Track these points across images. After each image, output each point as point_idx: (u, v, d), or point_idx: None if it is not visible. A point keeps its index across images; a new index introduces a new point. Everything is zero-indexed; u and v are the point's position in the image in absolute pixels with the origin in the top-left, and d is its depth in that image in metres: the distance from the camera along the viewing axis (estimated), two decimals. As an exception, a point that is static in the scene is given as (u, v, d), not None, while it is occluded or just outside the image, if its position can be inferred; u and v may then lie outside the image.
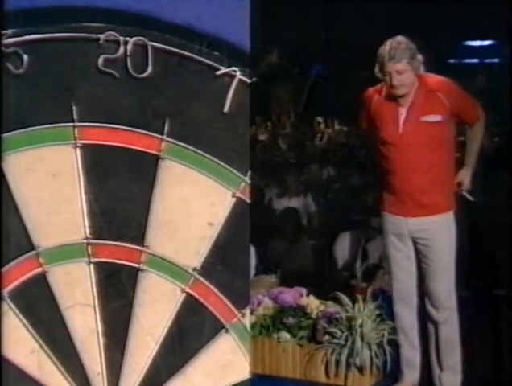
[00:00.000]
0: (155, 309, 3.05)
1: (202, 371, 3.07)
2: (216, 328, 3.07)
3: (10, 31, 2.96)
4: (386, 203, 3.96)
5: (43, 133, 3.00)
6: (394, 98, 3.88)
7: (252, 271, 5.78)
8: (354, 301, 4.20)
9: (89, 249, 3.02)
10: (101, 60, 3.00)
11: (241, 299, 3.09)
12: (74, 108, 3.00)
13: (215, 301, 3.07)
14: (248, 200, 3.09)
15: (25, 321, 3.01)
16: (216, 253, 3.07)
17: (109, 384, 3.05)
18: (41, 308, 3.02)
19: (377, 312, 4.11)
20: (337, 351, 4.13)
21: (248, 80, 3.06)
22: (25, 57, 2.98)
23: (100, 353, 3.03)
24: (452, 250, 3.88)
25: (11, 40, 2.96)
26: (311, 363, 4.22)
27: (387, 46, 3.83)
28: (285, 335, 4.31)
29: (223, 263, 3.07)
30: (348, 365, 4.11)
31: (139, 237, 3.04)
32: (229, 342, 3.09)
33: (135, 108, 3.03)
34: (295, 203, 6.81)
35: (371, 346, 4.08)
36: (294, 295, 4.50)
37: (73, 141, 3.02)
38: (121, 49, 3.00)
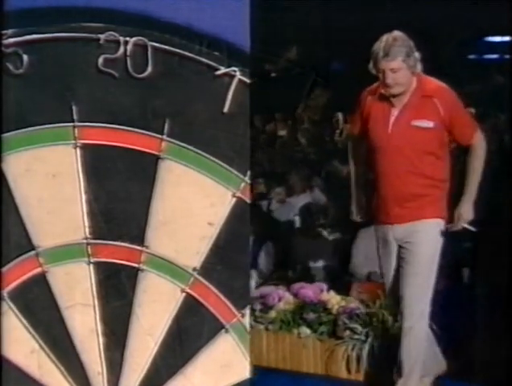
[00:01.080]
0: (155, 309, 3.05)
1: (202, 371, 3.07)
2: (216, 328, 3.07)
3: (10, 31, 2.96)
4: (374, 210, 3.83)
5: (43, 133, 3.00)
6: (387, 98, 3.73)
7: (271, 267, 5.81)
8: (375, 297, 4.19)
9: (89, 249, 3.02)
10: (101, 60, 3.00)
11: (241, 299, 3.09)
12: (74, 108, 3.00)
13: (215, 301, 3.07)
14: (248, 200, 3.09)
15: (25, 321, 3.01)
16: (216, 253, 3.07)
17: (109, 384, 3.05)
18: (41, 308, 3.01)
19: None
20: (358, 346, 4.12)
21: (248, 80, 3.06)
22: (25, 57, 2.98)
23: (100, 353, 3.03)
24: (433, 259, 3.73)
25: (11, 40, 2.96)
26: (331, 359, 4.23)
27: (382, 42, 3.65)
28: (305, 331, 4.31)
29: (223, 263, 3.07)
30: (369, 361, 4.10)
31: (139, 237, 3.04)
32: (228, 342, 3.09)
33: (135, 108, 3.03)
34: (313, 197, 6.84)
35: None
36: (315, 290, 4.50)
37: (73, 141, 3.02)
38: (121, 49, 3.00)
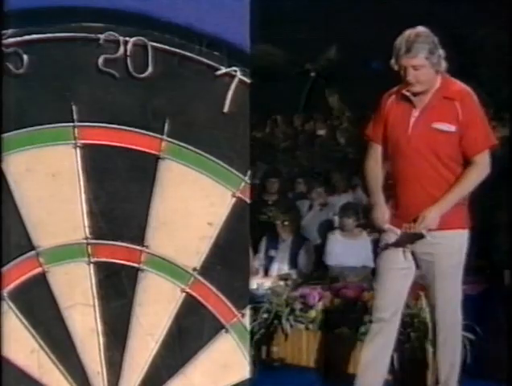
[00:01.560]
0: (155, 309, 3.05)
1: (202, 371, 3.07)
2: (216, 328, 3.07)
3: (10, 31, 2.96)
4: (391, 216, 3.62)
5: (43, 133, 3.00)
6: (408, 98, 3.55)
7: (310, 267, 5.80)
8: (416, 298, 4.17)
9: (89, 249, 3.02)
10: (101, 60, 3.00)
11: (241, 299, 3.09)
12: (74, 108, 3.00)
13: (215, 301, 3.07)
14: (248, 200, 3.09)
15: (25, 321, 3.01)
16: (216, 253, 3.07)
17: (108, 384, 3.05)
18: (41, 308, 3.01)
19: None
20: (399, 347, 4.09)
21: (248, 80, 3.06)
22: (25, 57, 2.98)
23: (100, 353, 3.03)
24: (459, 270, 3.59)
25: (11, 40, 2.96)
26: None
27: (404, 37, 3.48)
28: (346, 331, 4.29)
29: (223, 263, 3.07)
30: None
31: (139, 237, 3.04)
32: (228, 342, 3.09)
33: (135, 108, 3.03)
34: (355, 197, 6.83)
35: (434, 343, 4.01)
36: (355, 290, 4.47)
37: (73, 141, 3.02)
38: (121, 49, 3.00)
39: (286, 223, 6.06)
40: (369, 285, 4.45)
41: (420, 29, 3.51)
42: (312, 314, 4.50)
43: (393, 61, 3.53)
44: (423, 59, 3.46)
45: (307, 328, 4.57)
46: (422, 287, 3.98)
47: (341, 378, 4.17)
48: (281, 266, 5.87)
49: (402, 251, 3.62)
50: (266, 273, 5.88)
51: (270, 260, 6.01)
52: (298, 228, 6.15)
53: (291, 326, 4.70)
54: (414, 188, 3.55)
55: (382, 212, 3.65)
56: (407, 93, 3.57)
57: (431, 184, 3.55)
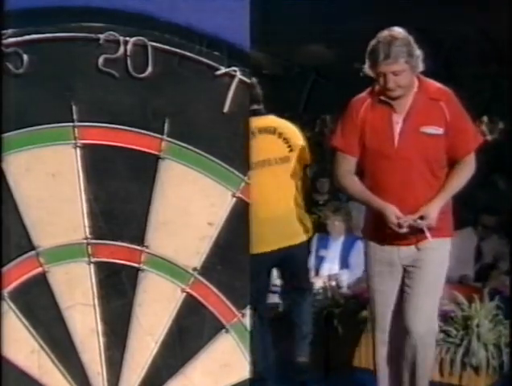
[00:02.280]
0: (155, 309, 3.05)
1: (202, 371, 3.07)
2: (216, 328, 3.07)
3: (10, 31, 2.96)
4: (373, 229, 3.48)
5: (43, 133, 3.00)
6: (386, 103, 3.36)
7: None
8: (470, 300, 4.13)
9: (89, 249, 3.02)
10: (101, 60, 3.00)
11: (241, 299, 3.09)
12: (74, 108, 3.00)
13: (215, 301, 3.07)
14: (248, 200, 3.09)
15: (25, 321, 3.01)
16: (216, 253, 3.07)
17: (108, 384, 3.05)
18: (41, 308, 3.01)
19: (495, 312, 4.02)
20: (452, 349, 4.06)
21: (248, 80, 3.06)
22: (25, 57, 2.98)
23: (100, 353, 3.03)
24: (442, 278, 3.51)
25: (11, 40, 2.96)
26: None
27: (380, 41, 3.27)
28: None
29: (223, 263, 3.07)
30: (463, 364, 4.03)
31: (139, 237, 3.04)
32: (229, 342, 3.09)
33: (135, 108, 3.03)
34: None
35: (488, 346, 3.99)
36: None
37: (73, 141, 3.02)
38: (121, 49, 3.00)
39: (336, 223, 6.02)
40: None
41: (396, 30, 3.32)
42: (364, 314, 4.48)
43: (367, 67, 3.33)
44: (403, 63, 3.27)
45: (359, 328, 4.56)
46: (475, 289, 3.95)
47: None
48: (332, 266, 5.84)
49: (394, 268, 3.49)
50: (317, 272, 5.85)
51: (320, 260, 5.98)
52: (349, 228, 6.13)
53: (343, 326, 4.68)
54: (401, 197, 3.37)
55: (392, 210, 3.41)
56: (385, 98, 3.37)
57: (418, 191, 3.38)
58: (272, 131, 4.26)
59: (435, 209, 3.38)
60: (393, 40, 3.28)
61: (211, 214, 3.06)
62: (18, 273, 3.01)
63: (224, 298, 3.07)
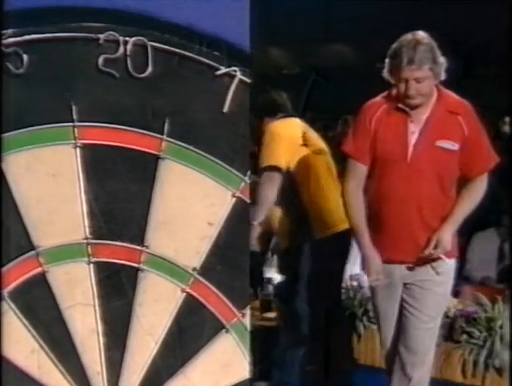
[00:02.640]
0: (155, 309, 3.05)
1: (202, 371, 3.07)
2: (216, 328, 3.07)
3: (10, 31, 2.95)
4: (374, 245, 3.30)
5: (43, 133, 3.00)
6: (403, 111, 3.19)
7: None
8: (493, 301, 4.10)
9: (89, 249, 3.02)
10: (101, 60, 3.00)
11: (241, 299, 3.09)
12: (74, 108, 3.00)
13: (215, 301, 3.07)
14: (248, 200, 3.09)
15: (25, 321, 3.01)
16: (216, 253, 3.06)
17: (108, 384, 3.05)
18: (41, 308, 3.01)
19: None
20: (475, 351, 4.03)
21: (248, 80, 3.06)
22: (25, 57, 2.97)
23: (100, 353, 3.03)
24: (446, 302, 3.43)
25: (11, 40, 2.96)
26: (447, 362, 4.15)
27: (404, 45, 3.10)
28: None
29: (223, 263, 3.07)
30: (486, 366, 4.01)
31: (139, 237, 3.04)
32: (229, 342, 3.09)
33: (135, 108, 3.03)
34: None
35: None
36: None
37: (73, 141, 3.01)
38: (121, 49, 3.00)
39: None
40: None
41: (420, 34, 3.16)
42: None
43: (387, 71, 3.18)
44: (427, 70, 3.11)
45: None
46: (498, 291, 3.92)
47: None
48: (353, 267, 5.83)
49: (394, 288, 3.37)
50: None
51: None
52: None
53: (365, 326, 4.66)
54: (410, 213, 3.22)
55: (376, 263, 3.28)
56: (403, 106, 3.21)
57: (428, 209, 3.24)
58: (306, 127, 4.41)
59: (448, 235, 3.23)
60: (417, 45, 3.11)
61: (211, 214, 3.06)
62: (18, 272, 3.01)
63: (224, 298, 3.07)
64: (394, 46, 3.16)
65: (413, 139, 3.20)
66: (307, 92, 10.67)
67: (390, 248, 3.30)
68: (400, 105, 3.22)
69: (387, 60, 3.18)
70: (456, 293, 4.41)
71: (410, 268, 3.32)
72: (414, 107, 3.20)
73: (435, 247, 3.22)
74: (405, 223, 3.26)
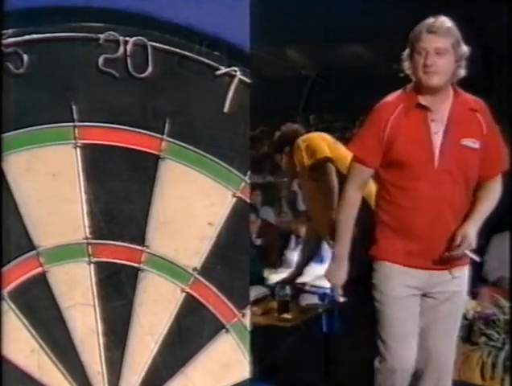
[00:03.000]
0: (155, 309, 3.05)
1: (202, 371, 3.07)
2: (216, 328, 3.07)
3: (10, 31, 2.95)
4: (399, 251, 3.12)
5: (43, 133, 3.00)
6: (423, 107, 3.02)
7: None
8: None
9: (89, 249, 3.02)
10: (101, 60, 3.00)
11: (241, 299, 3.09)
12: (74, 108, 3.00)
13: (215, 301, 3.07)
14: (248, 200, 3.09)
15: (25, 321, 3.01)
16: (216, 253, 3.06)
17: (109, 384, 3.05)
18: (41, 308, 3.01)
19: None
20: (494, 353, 3.98)
21: (248, 80, 3.06)
22: (25, 57, 2.97)
23: (100, 353, 3.03)
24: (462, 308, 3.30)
25: (11, 40, 2.96)
26: (466, 364, 4.09)
27: (426, 21, 2.97)
28: None
29: (223, 263, 3.07)
30: (505, 368, 3.96)
31: (139, 237, 3.04)
32: (229, 342, 3.09)
33: (135, 108, 3.03)
34: None
35: None
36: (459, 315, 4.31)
37: (73, 141, 3.01)
38: (121, 49, 3.00)
39: None
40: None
41: (444, 18, 3.01)
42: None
43: (406, 55, 2.98)
44: (448, 43, 2.94)
45: None
46: None
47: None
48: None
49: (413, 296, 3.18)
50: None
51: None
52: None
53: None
54: (437, 215, 3.06)
55: (343, 272, 3.20)
56: (424, 102, 3.02)
57: (458, 212, 3.09)
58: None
59: (473, 231, 3.08)
60: (440, 18, 2.98)
61: (211, 214, 3.06)
62: (18, 272, 3.01)
63: (224, 298, 3.07)
64: (416, 27, 3.01)
65: (438, 139, 3.04)
66: (307, 92, 10.67)
67: (419, 254, 3.13)
68: (420, 101, 3.04)
69: (409, 43, 3.02)
70: (474, 295, 4.39)
71: (435, 274, 3.17)
72: (435, 89, 3.00)
73: (460, 244, 3.07)
74: (437, 229, 3.10)
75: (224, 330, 3.07)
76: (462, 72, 3.05)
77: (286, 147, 4.53)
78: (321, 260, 5.85)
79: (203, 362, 3.07)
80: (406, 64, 3.05)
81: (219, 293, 3.07)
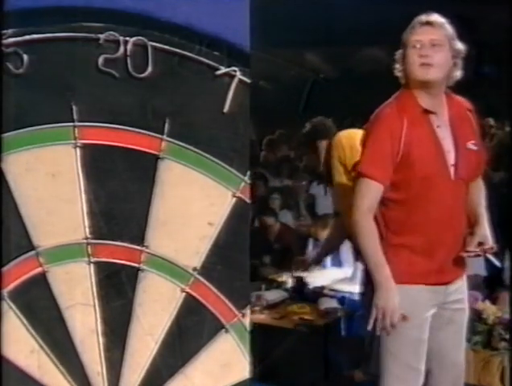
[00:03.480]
0: (155, 309, 3.04)
1: (202, 371, 3.07)
2: (216, 328, 3.07)
3: (10, 31, 2.95)
4: (414, 272, 2.96)
5: (43, 133, 3.00)
6: (427, 112, 2.88)
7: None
8: None
9: (89, 249, 3.02)
10: (101, 60, 3.00)
11: (241, 299, 3.09)
12: (74, 108, 3.00)
13: (215, 301, 3.07)
14: (248, 200, 3.09)
15: (25, 321, 3.01)
16: (216, 253, 3.06)
17: (109, 384, 3.04)
18: (41, 308, 3.01)
19: None
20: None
21: (248, 80, 3.06)
22: (25, 57, 2.97)
23: (100, 353, 3.03)
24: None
25: (11, 40, 2.96)
26: (486, 370, 4.07)
27: (419, 16, 2.85)
28: None
29: (223, 263, 3.07)
30: None
31: (139, 237, 3.04)
32: (229, 342, 3.09)
33: (135, 108, 3.03)
34: None
35: None
36: (469, 299, 4.34)
37: (73, 141, 3.01)
38: (121, 49, 3.00)
39: None
40: (482, 294, 4.34)
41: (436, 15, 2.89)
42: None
43: (399, 54, 2.86)
44: (444, 35, 2.83)
45: None
46: None
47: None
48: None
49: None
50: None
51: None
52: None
53: None
54: (457, 227, 2.94)
55: (394, 300, 2.90)
56: (428, 107, 2.88)
57: (465, 217, 2.98)
58: None
59: (488, 229, 2.98)
60: (435, 17, 2.87)
61: (211, 214, 3.06)
62: (18, 272, 3.01)
63: (224, 298, 3.07)
64: (408, 26, 2.90)
65: (447, 145, 2.90)
66: (307, 92, 10.67)
67: (439, 270, 2.99)
68: (424, 106, 2.89)
69: (402, 42, 2.90)
70: (494, 301, 4.38)
71: (452, 287, 3.08)
72: (434, 100, 2.86)
73: (480, 244, 2.95)
74: (455, 239, 2.99)
75: (224, 330, 3.07)
76: (459, 74, 2.93)
77: (320, 140, 4.48)
78: (339, 264, 5.87)
79: (203, 362, 3.07)
80: (399, 66, 2.92)
81: (219, 293, 3.07)
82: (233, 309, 3.07)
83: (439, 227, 2.93)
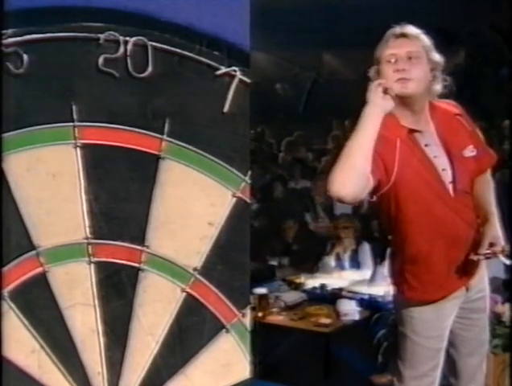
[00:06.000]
0: (156, 308, 3.05)
1: (202, 371, 3.07)
2: (216, 328, 3.07)
3: (10, 31, 2.96)
4: (434, 288, 2.93)
5: (43, 133, 3.00)
6: (413, 132, 2.75)
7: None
8: None
9: (90, 249, 3.02)
10: (101, 60, 3.00)
11: (241, 299, 3.09)
12: (74, 107, 3.00)
13: (215, 301, 3.07)
14: (248, 200, 3.09)
15: (25, 321, 3.01)
16: (216, 253, 3.07)
17: (109, 384, 3.04)
18: (41, 308, 3.01)
19: None
20: None
21: (248, 80, 3.07)
22: (25, 57, 2.98)
23: (100, 353, 3.03)
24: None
25: (11, 40, 2.96)
26: (505, 373, 4.04)
27: (392, 29, 2.72)
28: None
29: (223, 263, 3.07)
30: None
31: (139, 237, 3.04)
32: (229, 342, 3.09)
33: (135, 108, 3.03)
34: None
35: None
36: (489, 302, 4.34)
37: (73, 141, 3.02)
38: (121, 49, 3.00)
39: None
40: (503, 297, 4.31)
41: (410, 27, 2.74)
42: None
43: (373, 71, 2.71)
44: (421, 46, 2.68)
45: None
46: None
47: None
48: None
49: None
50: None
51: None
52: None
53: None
54: (467, 234, 2.87)
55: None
56: (413, 126, 2.72)
57: (472, 218, 2.91)
58: None
59: (499, 229, 2.89)
60: (410, 28, 2.73)
61: (211, 214, 3.06)
62: (19, 272, 3.01)
63: (224, 298, 3.07)
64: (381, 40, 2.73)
65: (440, 162, 2.78)
66: (306, 92, 10.67)
67: (456, 277, 2.95)
68: (408, 125, 2.73)
69: (375, 57, 2.74)
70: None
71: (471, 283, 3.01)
72: (416, 117, 2.73)
73: (491, 245, 2.86)
74: (465, 245, 2.91)
75: (224, 330, 3.07)
76: (439, 87, 2.77)
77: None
78: (358, 266, 5.87)
79: (203, 362, 3.07)
80: (374, 74, 2.76)
81: (219, 293, 3.07)
82: (234, 309, 3.07)
83: (447, 244, 2.88)
